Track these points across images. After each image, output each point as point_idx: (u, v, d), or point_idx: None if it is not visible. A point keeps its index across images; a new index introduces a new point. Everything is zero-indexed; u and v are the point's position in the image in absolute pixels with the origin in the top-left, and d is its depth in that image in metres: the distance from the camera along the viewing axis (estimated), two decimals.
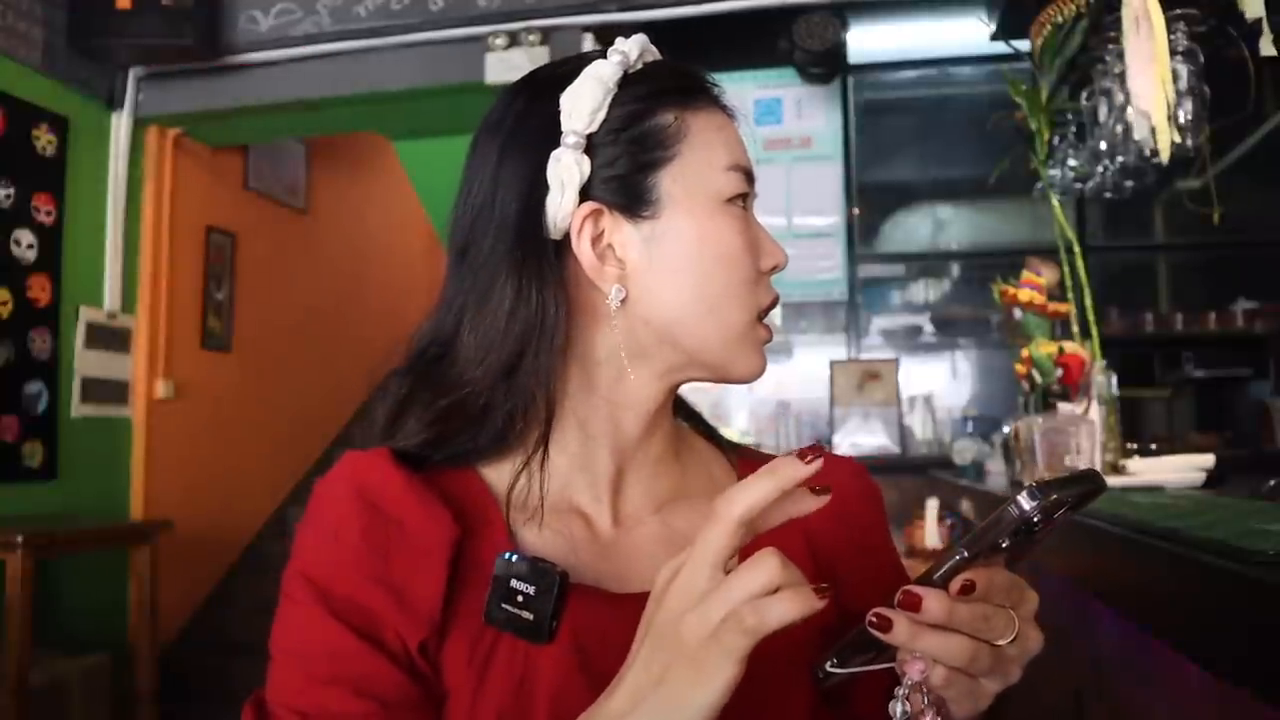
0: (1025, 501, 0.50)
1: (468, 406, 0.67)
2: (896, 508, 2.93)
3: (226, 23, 3.53)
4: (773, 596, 0.49)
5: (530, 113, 0.68)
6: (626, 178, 0.66)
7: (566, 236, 0.66)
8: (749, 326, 0.68)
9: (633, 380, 0.68)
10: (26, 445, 3.25)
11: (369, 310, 5.22)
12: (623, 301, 0.66)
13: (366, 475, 0.64)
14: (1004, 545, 0.52)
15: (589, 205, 0.65)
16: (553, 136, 0.66)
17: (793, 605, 0.49)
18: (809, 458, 0.51)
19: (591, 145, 0.66)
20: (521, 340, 0.65)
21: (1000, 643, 0.53)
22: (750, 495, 0.51)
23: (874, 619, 0.52)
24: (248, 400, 4.36)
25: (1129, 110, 1.73)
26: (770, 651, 0.64)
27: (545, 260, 0.66)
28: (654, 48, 0.71)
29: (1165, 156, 1.66)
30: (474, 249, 0.68)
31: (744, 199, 0.69)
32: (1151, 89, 1.63)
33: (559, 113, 0.66)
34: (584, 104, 0.65)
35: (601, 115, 0.66)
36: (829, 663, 0.58)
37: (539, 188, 0.65)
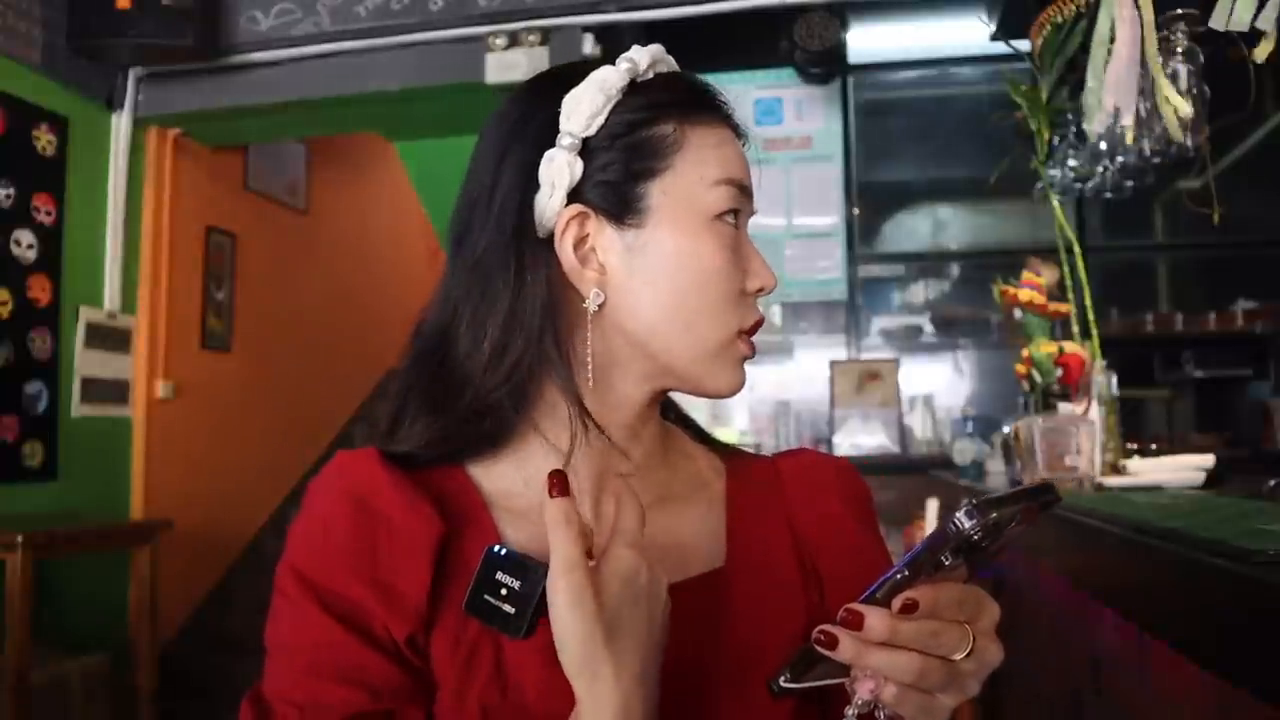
0: (964, 520, 0.49)
1: (466, 405, 0.67)
2: (897, 508, 2.93)
3: (226, 23, 3.52)
4: None
5: (533, 110, 0.68)
6: (618, 185, 0.66)
7: (554, 236, 0.66)
8: (726, 344, 0.67)
9: (613, 385, 0.68)
10: (26, 445, 3.25)
11: (369, 310, 5.21)
12: (601, 307, 0.66)
13: (355, 473, 0.65)
14: (948, 562, 0.52)
15: (575, 207, 0.66)
16: (551, 136, 0.66)
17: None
18: (554, 491, 0.58)
19: (588, 149, 0.66)
20: (519, 339, 0.65)
21: (955, 657, 0.52)
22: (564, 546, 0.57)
23: (820, 636, 0.52)
24: (248, 400, 4.35)
25: (1088, 95, 1.84)
26: (752, 654, 0.64)
27: (537, 257, 0.66)
28: (670, 59, 0.70)
29: (1092, 137, 1.89)
30: (468, 240, 0.68)
31: (736, 215, 0.68)
32: (1115, 85, 1.73)
33: (560, 113, 0.66)
34: (583, 107, 0.65)
35: (600, 120, 0.66)
36: (782, 677, 0.56)
37: (531, 185, 0.66)
